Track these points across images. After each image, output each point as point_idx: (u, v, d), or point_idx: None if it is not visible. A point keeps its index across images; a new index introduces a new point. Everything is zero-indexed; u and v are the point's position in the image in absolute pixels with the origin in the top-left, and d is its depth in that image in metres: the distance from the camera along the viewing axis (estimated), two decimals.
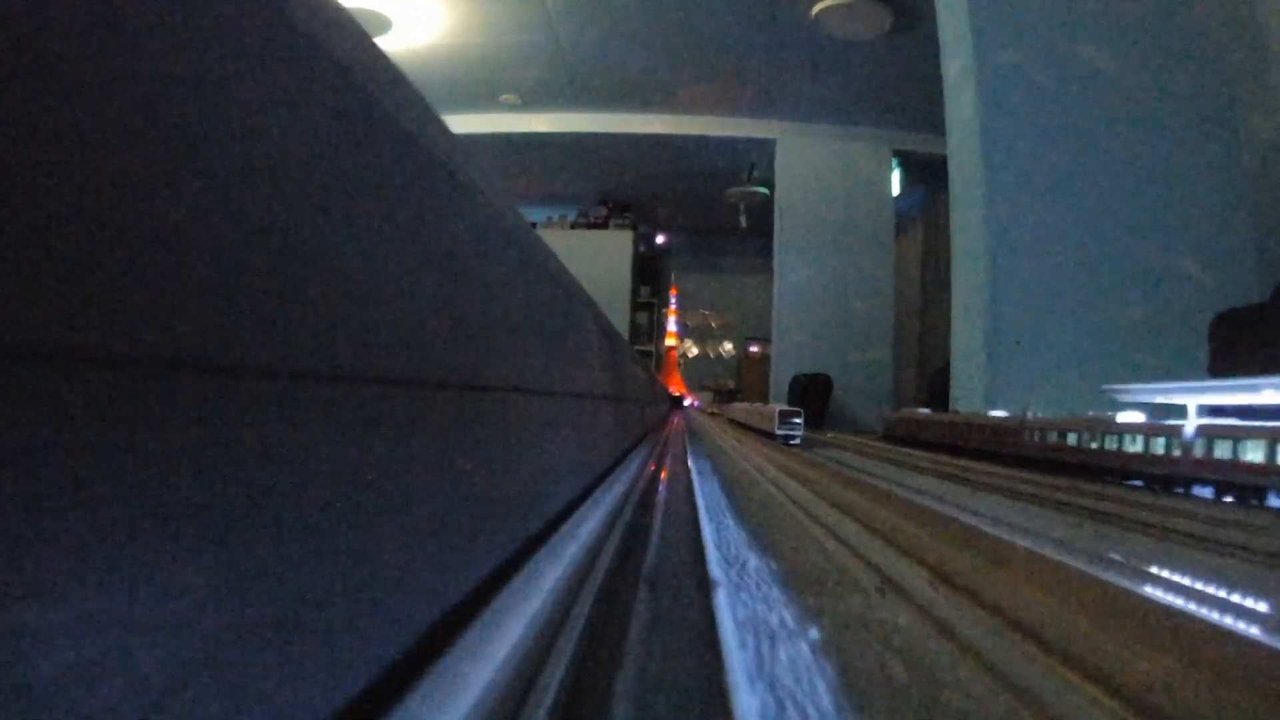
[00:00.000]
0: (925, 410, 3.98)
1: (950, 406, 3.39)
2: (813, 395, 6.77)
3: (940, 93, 4.71)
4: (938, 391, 4.67)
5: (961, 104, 3.34)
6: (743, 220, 10.36)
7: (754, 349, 12.76)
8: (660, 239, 12.91)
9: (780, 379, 7.72)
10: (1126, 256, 3.11)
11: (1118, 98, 3.20)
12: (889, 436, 4.32)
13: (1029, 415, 2.68)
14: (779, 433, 3.72)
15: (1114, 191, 3.14)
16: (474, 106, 7.75)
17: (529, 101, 7.76)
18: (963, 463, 2.80)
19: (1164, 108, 3.20)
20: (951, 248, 3.42)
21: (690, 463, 2.47)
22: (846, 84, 7.13)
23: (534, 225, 8.62)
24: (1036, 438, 2.58)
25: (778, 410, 3.82)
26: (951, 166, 3.47)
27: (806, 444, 3.72)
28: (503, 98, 7.68)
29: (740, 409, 6.61)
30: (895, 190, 8.26)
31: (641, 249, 12.09)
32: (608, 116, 7.93)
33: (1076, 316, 3.08)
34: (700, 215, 11.71)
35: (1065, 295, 3.10)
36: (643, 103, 7.72)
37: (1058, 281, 3.10)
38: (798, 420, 3.76)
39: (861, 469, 2.60)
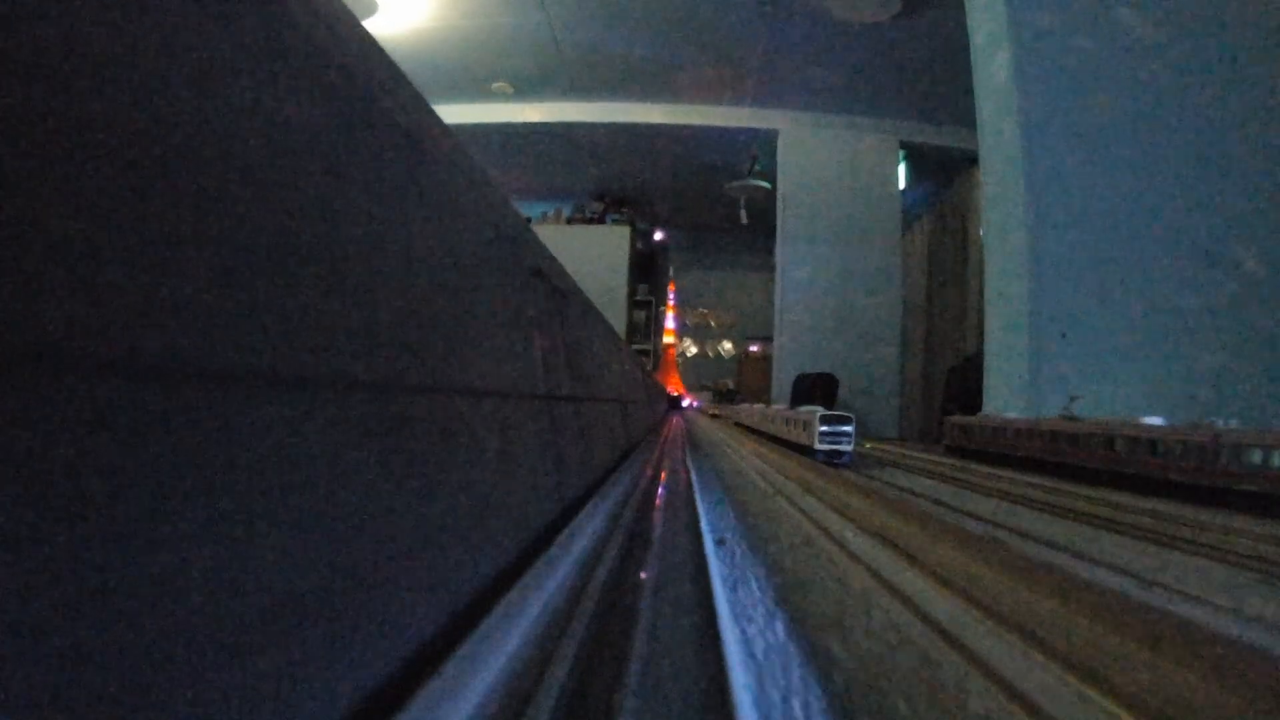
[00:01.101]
0: (1011, 415, 3.01)
1: (983, 406, 3.08)
2: (817, 395, 6.48)
3: (951, 81, 4.45)
4: (956, 390, 4.37)
5: (992, 70, 3.04)
6: (743, 215, 10.07)
7: (754, 348, 12.50)
8: (658, 235, 12.61)
9: (783, 378, 7.44)
10: (1183, 238, 2.81)
11: (1163, 65, 2.90)
12: (957, 450, 3.36)
13: (1220, 427, 1.96)
14: (821, 448, 2.79)
15: (1165, 167, 2.83)
16: (464, 96, 7.46)
17: (522, 90, 7.47)
18: (1151, 504, 1.92)
19: (1218, 76, 2.91)
20: (983, 229, 3.11)
21: (701, 511, 1.62)
22: (853, 71, 6.85)
23: (529, 220, 8.29)
24: (1242, 462, 1.79)
25: (818, 415, 2.84)
26: (983, 140, 3.17)
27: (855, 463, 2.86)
28: (494, 86, 7.38)
29: (751, 412, 5.70)
30: (900, 184, 7.99)
31: (639, 246, 11.81)
32: (604, 106, 7.63)
33: (1128, 304, 2.76)
34: (699, 211, 11.42)
35: (1116, 280, 2.78)
36: (640, 92, 7.43)
37: (1107, 265, 2.78)
38: (848, 429, 2.82)
39: (1025, 529, 1.59)
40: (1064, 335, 2.66)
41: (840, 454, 2.79)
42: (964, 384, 4.25)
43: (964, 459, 3.12)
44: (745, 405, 7.27)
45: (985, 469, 2.74)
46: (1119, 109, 2.79)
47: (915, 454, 3.56)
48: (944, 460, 3.20)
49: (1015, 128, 2.80)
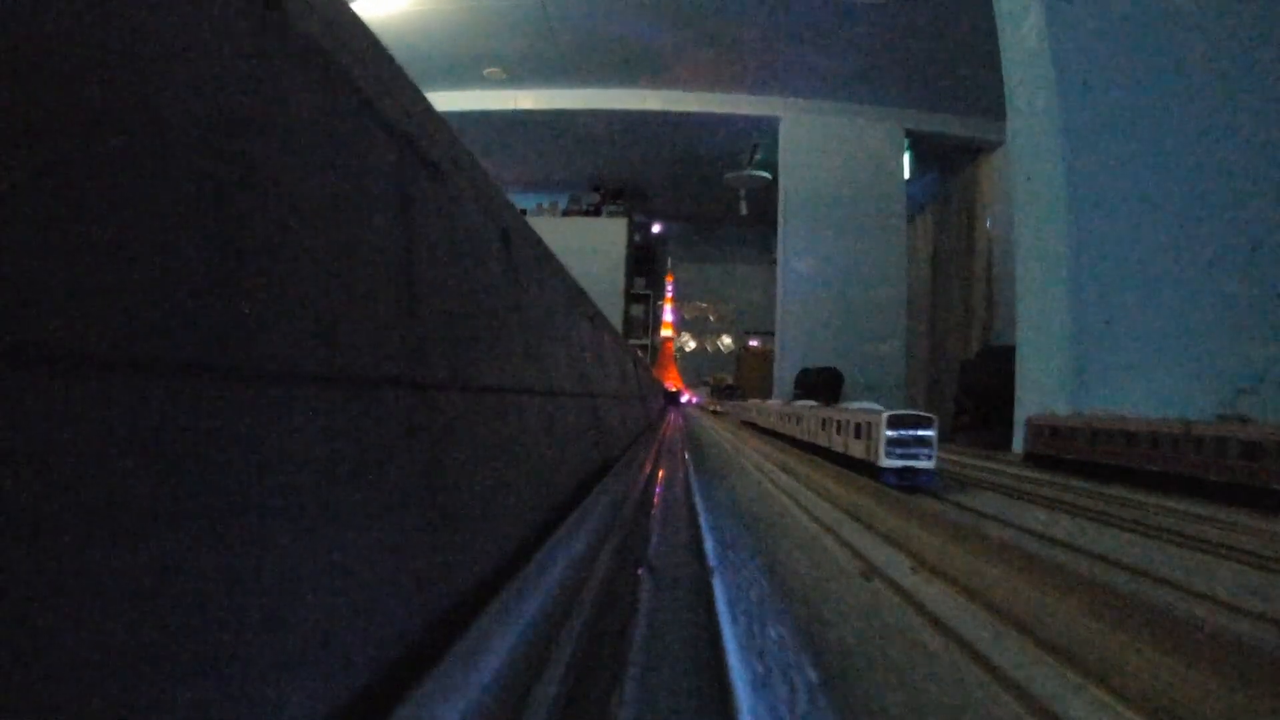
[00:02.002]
0: (1127, 413, 2.36)
1: (1017, 402, 2.83)
2: (821, 390, 6.27)
3: (958, 65, 4.20)
4: (971, 384, 4.15)
5: (1020, 36, 2.79)
6: (743, 207, 9.85)
7: (753, 343, 12.28)
8: (656, 228, 12.36)
9: (785, 373, 7.22)
10: (1236, 221, 2.57)
11: (1212, 32, 2.65)
12: (1045, 459, 2.64)
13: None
14: (889, 465, 2.04)
15: (1214, 146, 2.57)
16: (455, 81, 7.20)
17: (514, 76, 7.22)
18: None
19: (1274, 47, 2.65)
20: (1015, 205, 2.87)
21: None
22: (856, 55, 6.62)
23: (524, 212, 8.06)
24: None
25: (885, 417, 2.07)
26: (1012, 115, 2.92)
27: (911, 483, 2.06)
28: (486, 72, 7.13)
29: (767, 410, 4.67)
30: (905, 174, 7.76)
31: (636, 238, 11.57)
32: (599, 93, 7.39)
33: (1175, 291, 2.51)
34: (698, 202, 11.19)
35: (1162, 265, 2.52)
36: (636, 77, 7.19)
37: (1152, 249, 2.53)
38: (928, 435, 2.06)
39: None
40: (1107, 323, 2.43)
41: (918, 473, 2.03)
42: (979, 378, 4.02)
43: (1061, 471, 2.49)
44: (755, 401, 6.36)
45: (1141, 497, 2.03)
46: (1163, 79, 2.54)
47: (982, 463, 2.87)
48: (1044, 477, 2.46)
49: (1050, 98, 2.55)
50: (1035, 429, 2.65)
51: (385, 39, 0.61)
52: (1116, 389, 2.38)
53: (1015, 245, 2.83)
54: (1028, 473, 2.56)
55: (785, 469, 2.60)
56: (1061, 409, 2.40)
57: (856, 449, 2.28)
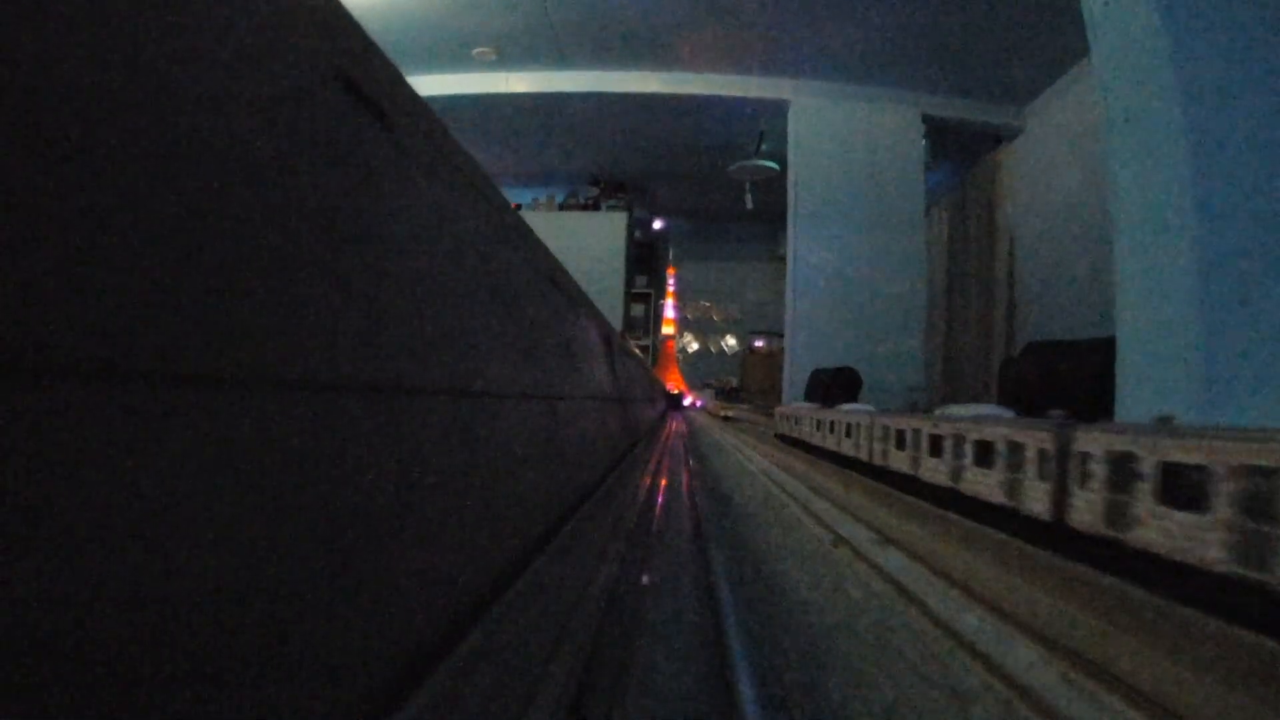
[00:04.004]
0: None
1: (1118, 404, 2.31)
2: (836, 393, 5.79)
3: (979, 43, 3.69)
4: (1012, 385, 3.68)
5: None
6: (749, 201, 9.39)
7: (759, 344, 11.81)
8: (657, 224, 11.89)
9: (796, 374, 6.74)
10: None
11: None
12: None
13: None
14: None
15: None
16: (442, 63, 6.74)
17: (506, 57, 6.76)
18: None
19: None
20: (1108, 155, 2.35)
21: None
22: (871, 33, 6.15)
23: (518, 207, 7.52)
24: None
25: None
26: (1096, 34, 2.40)
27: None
28: (475, 52, 6.67)
29: (827, 422, 3.10)
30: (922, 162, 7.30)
31: (637, 234, 11.10)
32: (596, 75, 6.92)
33: None
34: (701, 196, 10.72)
35: None
36: (637, 57, 6.72)
37: None
38: None
39: None
40: (1243, 303, 1.94)
41: None
42: (1024, 377, 3.56)
43: None
44: (797, 406, 4.26)
45: None
46: None
47: None
48: None
49: (1153, 10, 2.04)
50: None
51: (360, 14, 0.52)
52: (1260, 388, 1.88)
53: (1111, 206, 2.33)
54: None
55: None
56: (1181, 413, 1.86)
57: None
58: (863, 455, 2.49)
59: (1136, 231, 2.14)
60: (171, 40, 0.31)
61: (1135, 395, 2.09)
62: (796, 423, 3.28)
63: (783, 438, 3.50)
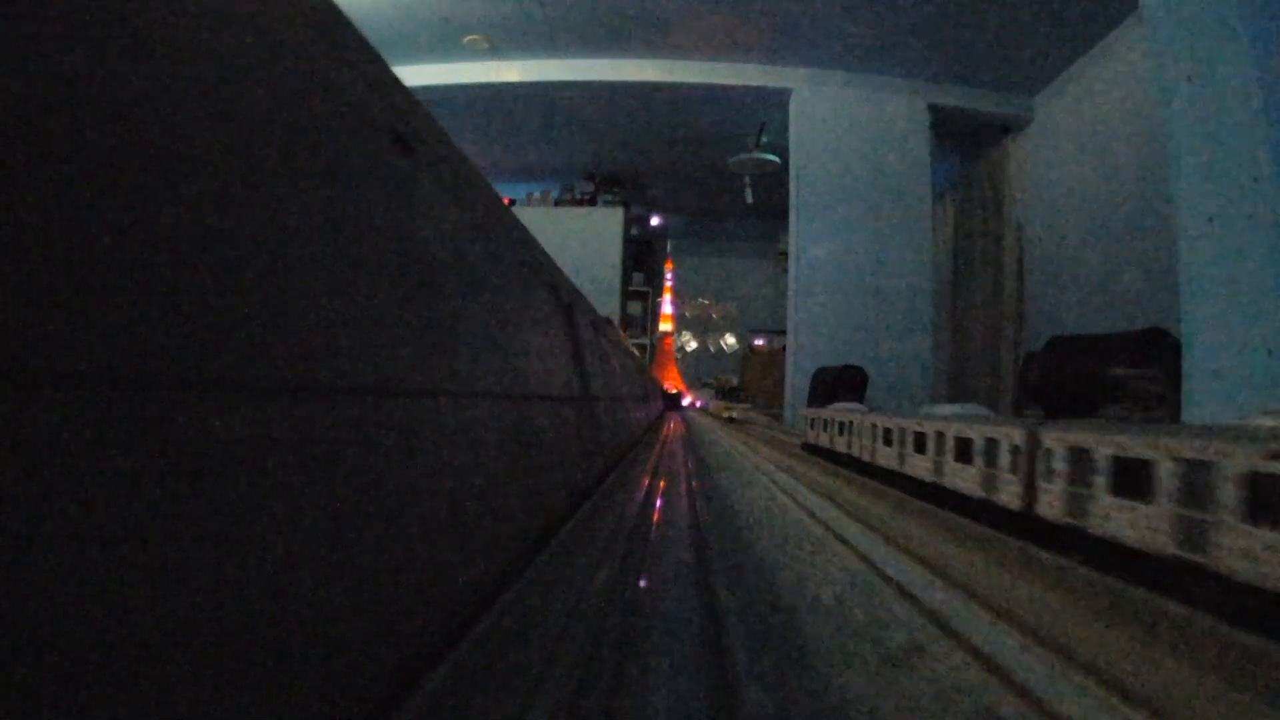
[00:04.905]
0: None
1: (1184, 400, 2.07)
2: (842, 393, 5.56)
3: (987, 28, 3.47)
4: (1034, 384, 3.46)
5: None
6: (748, 195, 9.16)
7: (759, 343, 11.58)
8: (655, 220, 11.65)
9: (799, 374, 6.52)
10: None
11: None
12: None
13: None
14: None
15: None
16: (431, 52, 6.51)
17: (499, 45, 6.53)
18: None
19: None
20: (1168, 122, 2.11)
21: None
22: (876, 19, 5.93)
23: (512, 203, 7.21)
24: None
25: None
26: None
27: None
28: (467, 40, 6.44)
29: (934, 433, 1.68)
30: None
31: (634, 231, 10.87)
32: (592, 63, 6.69)
33: None
34: (699, 191, 10.49)
35: None
36: (634, 44, 6.49)
37: None
38: None
39: None
40: None
41: None
42: (1049, 374, 3.33)
43: None
44: (845, 405, 3.07)
45: None
46: None
47: None
48: None
49: None
50: None
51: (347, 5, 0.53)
52: None
53: (1173, 181, 2.10)
54: None
55: None
56: (1262, 415, 1.56)
57: None
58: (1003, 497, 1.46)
59: (1203, 208, 1.90)
60: (252, 86, 0.38)
61: (1207, 393, 1.85)
62: (843, 432, 2.30)
63: (812, 449, 2.68)
